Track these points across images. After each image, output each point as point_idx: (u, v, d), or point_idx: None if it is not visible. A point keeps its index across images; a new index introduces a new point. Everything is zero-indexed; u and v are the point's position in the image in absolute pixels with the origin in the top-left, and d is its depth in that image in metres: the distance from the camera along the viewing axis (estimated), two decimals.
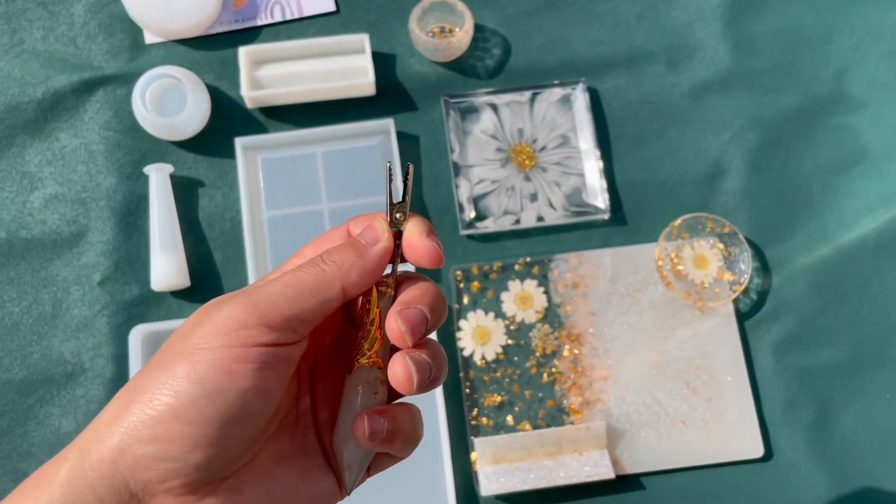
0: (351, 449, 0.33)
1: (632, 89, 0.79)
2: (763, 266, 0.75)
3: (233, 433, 0.29)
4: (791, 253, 0.75)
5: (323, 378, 0.35)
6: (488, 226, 0.75)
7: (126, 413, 0.29)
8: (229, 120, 0.77)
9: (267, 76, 0.77)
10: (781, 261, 0.75)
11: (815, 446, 0.71)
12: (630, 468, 0.70)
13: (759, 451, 0.70)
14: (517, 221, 0.75)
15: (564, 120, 0.78)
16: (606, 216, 0.75)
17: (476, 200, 0.76)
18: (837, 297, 0.74)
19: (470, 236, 0.75)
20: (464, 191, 0.75)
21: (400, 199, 0.35)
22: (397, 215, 0.35)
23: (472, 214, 0.75)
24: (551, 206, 0.75)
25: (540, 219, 0.75)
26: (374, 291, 0.34)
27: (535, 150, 0.77)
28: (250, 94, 0.75)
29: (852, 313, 0.74)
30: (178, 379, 0.28)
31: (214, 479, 0.30)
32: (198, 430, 0.28)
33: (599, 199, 0.75)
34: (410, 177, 0.35)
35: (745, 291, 0.74)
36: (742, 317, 0.74)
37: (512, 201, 0.76)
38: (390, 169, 0.35)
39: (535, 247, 0.75)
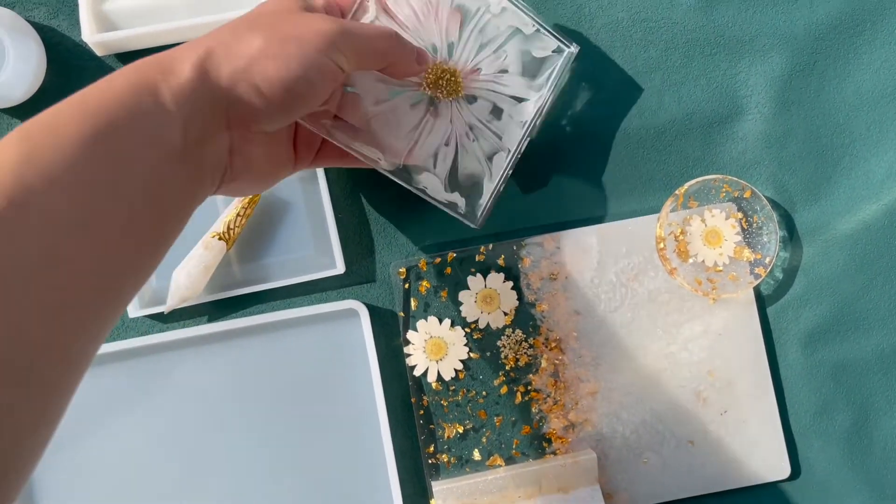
0: None
1: (620, 3, 0.59)
2: (790, 234, 0.59)
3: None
4: (827, 216, 0.59)
5: None
6: None
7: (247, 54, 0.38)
8: (75, 74, 0.56)
9: (118, 11, 0.55)
10: (815, 227, 0.59)
11: (852, 459, 0.58)
12: (628, 502, 0.56)
13: (785, 471, 0.57)
14: None
15: None
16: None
17: None
18: (884, 271, 0.59)
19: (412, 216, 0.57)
20: None
21: None
22: None
23: None
24: None
25: None
26: None
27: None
28: (97, 39, 0.54)
29: None
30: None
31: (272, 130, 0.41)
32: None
33: None
34: None
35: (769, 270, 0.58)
36: (764, 302, 0.59)
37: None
38: None
39: (501, 226, 0.58)
